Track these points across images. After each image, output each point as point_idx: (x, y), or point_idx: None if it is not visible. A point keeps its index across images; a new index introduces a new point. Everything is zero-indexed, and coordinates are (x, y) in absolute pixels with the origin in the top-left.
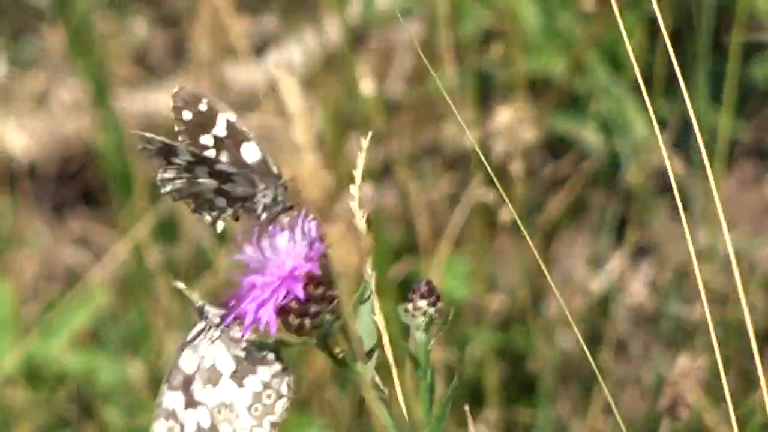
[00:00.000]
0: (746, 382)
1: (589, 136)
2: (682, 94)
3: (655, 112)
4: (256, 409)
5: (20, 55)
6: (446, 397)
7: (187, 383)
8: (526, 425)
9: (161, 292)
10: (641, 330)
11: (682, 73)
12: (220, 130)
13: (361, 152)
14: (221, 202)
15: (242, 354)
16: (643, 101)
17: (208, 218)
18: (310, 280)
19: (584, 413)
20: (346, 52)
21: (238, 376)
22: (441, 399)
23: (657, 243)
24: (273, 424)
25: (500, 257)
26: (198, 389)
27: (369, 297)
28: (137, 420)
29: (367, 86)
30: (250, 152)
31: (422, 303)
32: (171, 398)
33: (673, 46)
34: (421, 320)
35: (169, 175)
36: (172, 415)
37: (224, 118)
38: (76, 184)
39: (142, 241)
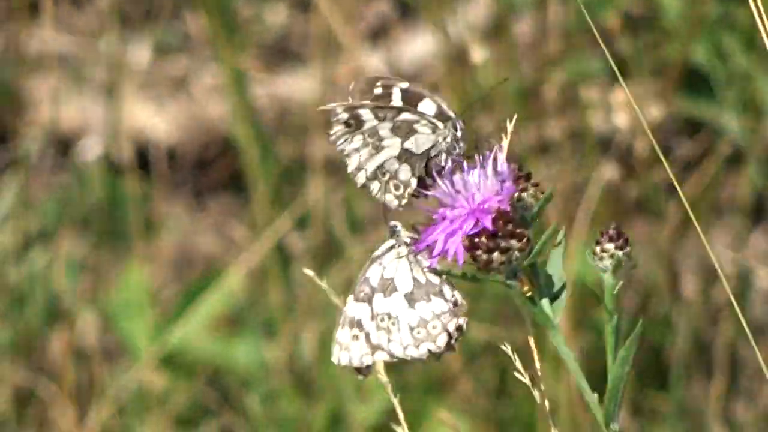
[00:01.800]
0: None
1: (728, 119)
2: None
3: None
4: (419, 333)
5: (163, 40)
6: (632, 339)
7: (368, 296)
8: (658, 411)
9: (299, 278)
10: None
11: None
12: (396, 101)
13: (506, 136)
14: (405, 173)
15: (422, 279)
16: None
17: (392, 199)
18: (500, 215)
19: (718, 399)
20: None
21: (411, 298)
22: (628, 341)
23: None
24: (430, 352)
25: (637, 240)
26: (377, 301)
27: (561, 242)
28: (276, 406)
29: (477, 55)
30: (427, 108)
31: (610, 246)
32: (357, 309)
33: None
34: (609, 263)
35: (355, 144)
36: (357, 324)
37: (398, 89)
38: (217, 170)
39: (280, 228)
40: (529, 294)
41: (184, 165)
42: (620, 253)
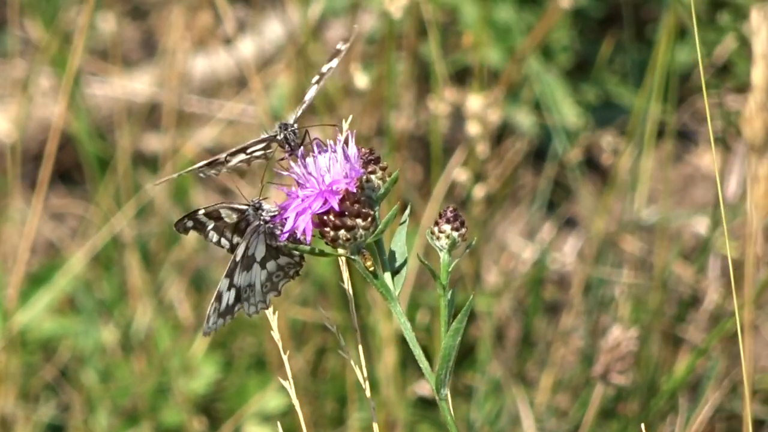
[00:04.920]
0: (673, 345)
1: (523, 118)
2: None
3: (581, 96)
4: (266, 287)
5: (3, 46)
6: (464, 312)
7: (232, 271)
8: (467, 386)
9: (132, 264)
10: (571, 294)
11: (609, 61)
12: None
13: (342, 134)
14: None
15: (274, 244)
16: (571, 86)
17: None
18: (347, 196)
19: (519, 373)
20: (305, 42)
21: (264, 261)
22: (461, 314)
23: (584, 215)
24: (270, 299)
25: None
26: (236, 274)
27: (406, 221)
28: (112, 380)
29: (361, 80)
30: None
31: (446, 227)
32: (223, 283)
33: (600, 35)
34: (444, 242)
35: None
36: (218, 297)
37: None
38: (54, 164)
39: (116, 217)
40: (372, 269)
41: (23, 160)
42: (455, 234)
